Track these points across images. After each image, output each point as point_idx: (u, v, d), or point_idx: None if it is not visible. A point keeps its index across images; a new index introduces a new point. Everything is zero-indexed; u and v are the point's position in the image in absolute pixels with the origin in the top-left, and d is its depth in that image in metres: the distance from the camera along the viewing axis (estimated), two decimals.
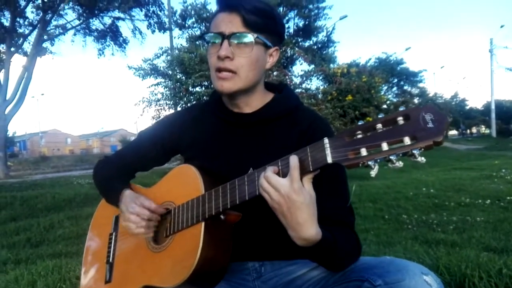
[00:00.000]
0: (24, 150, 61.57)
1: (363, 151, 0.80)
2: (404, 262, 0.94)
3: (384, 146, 0.78)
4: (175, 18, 14.88)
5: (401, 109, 0.80)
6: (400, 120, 0.78)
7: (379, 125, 0.80)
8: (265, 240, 1.17)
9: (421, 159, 0.76)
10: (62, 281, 2.23)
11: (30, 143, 65.88)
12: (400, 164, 0.78)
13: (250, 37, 1.07)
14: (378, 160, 0.80)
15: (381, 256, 2.31)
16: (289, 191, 0.86)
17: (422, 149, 0.75)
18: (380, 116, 0.82)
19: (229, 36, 1.06)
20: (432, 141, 0.74)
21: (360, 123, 0.84)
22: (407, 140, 0.76)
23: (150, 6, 16.35)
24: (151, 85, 9.83)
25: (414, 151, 0.75)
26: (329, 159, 0.85)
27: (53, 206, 6.24)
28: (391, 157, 0.77)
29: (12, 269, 2.70)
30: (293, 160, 0.88)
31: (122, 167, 1.35)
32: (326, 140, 0.86)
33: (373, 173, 0.81)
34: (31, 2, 15.33)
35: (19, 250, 3.78)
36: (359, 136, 0.82)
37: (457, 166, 9.40)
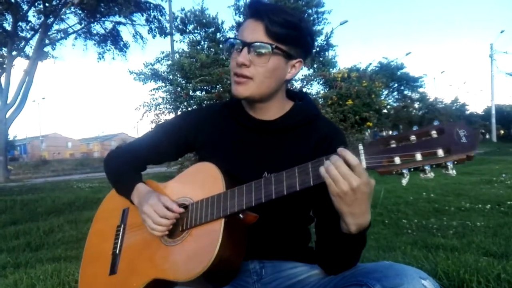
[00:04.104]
0: (25, 154, 61.56)
1: (397, 160, 0.84)
2: (403, 267, 0.95)
3: (418, 156, 0.82)
4: (176, 23, 14.94)
5: (435, 123, 0.83)
6: (434, 133, 0.82)
7: (413, 137, 0.84)
8: (267, 239, 1.18)
9: (453, 172, 0.80)
10: (61, 285, 2.23)
11: (31, 147, 65.83)
12: (432, 175, 0.82)
13: (268, 48, 1.09)
14: (412, 169, 0.83)
15: (380, 261, 2.30)
16: (360, 183, 0.88)
17: (456, 162, 0.80)
18: (415, 128, 0.86)
19: (249, 44, 1.10)
20: (466, 155, 0.78)
21: (395, 133, 0.88)
22: (440, 153, 0.80)
23: (151, 11, 16.43)
24: (152, 90, 9.85)
25: (448, 163, 0.79)
26: (364, 164, 0.88)
27: (53, 210, 6.23)
28: (425, 167, 0.81)
29: (11, 273, 2.69)
30: (351, 157, 0.88)
31: (135, 158, 1.35)
32: (360, 146, 0.89)
33: (404, 181, 0.84)
34: (33, 7, 15.40)
35: (18, 254, 3.77)
36: (393, 145, 0.86)
37: (457, 171, 9.33)
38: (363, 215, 0.95)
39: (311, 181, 0.94)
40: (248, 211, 1.04)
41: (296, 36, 1.12)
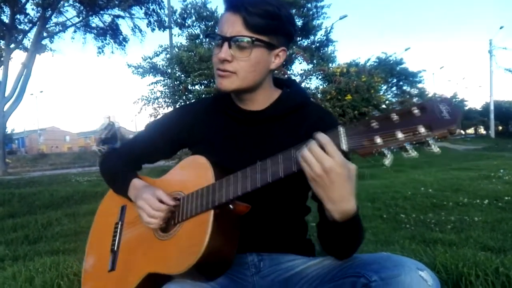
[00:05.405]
0: (23, 147, 61.42)
1: (378, 139, 0.82)
2: (400, 258, 0.95)
3: (399, 134, 0.80)
4: (175, 17, 14.88)
5: (417, 101, 0.81)
6: (416, 111, 0.80)
7: (395, 116, 0.82)
8: (264, 232, 1.18)
9: (436, 149, 0.78)
10: (60, 278, 2.23)
11: (29, 140, 65.65)
12: (414, 153, 0.80)
13: (248, 41, 1.07)
14: (393, 148, 0.81)
15: None
16: (333, 164, 0.86)
17: (437, 138, 0.77)
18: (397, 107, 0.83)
19: (229, 38, 1.08)
20: (447, 130, 0.76)
21: (375, 113, 0.86)
22: (421, 129, 0.78)
23: (150, 4, 16.35)
24: (151, 83, 9.83)
25: (429, 140, 0.77)
26: (344, 146, 0.86)
27: (51, 203, 6.22)
28: (406, 145, 0.79)
29: (9, 266, 2.69)
30: (322, 137, 0.88)
31: (129, 158, 1.36)
32: (340, 128, 0.87)
33: (386, 161, 0.83)
34: None
35: (16, 246, 3.77)
36: (374, 125, 0.84)
37: (455, 166, 9.40)
38: (344, 201, 0.91)
39: (294, 166, 0.93)
40: (238, 201, 1.04)
41: (277, 25, 1.10)
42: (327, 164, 0.86)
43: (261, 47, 1.10)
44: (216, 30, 1.17)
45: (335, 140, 0.87)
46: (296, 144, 0.99)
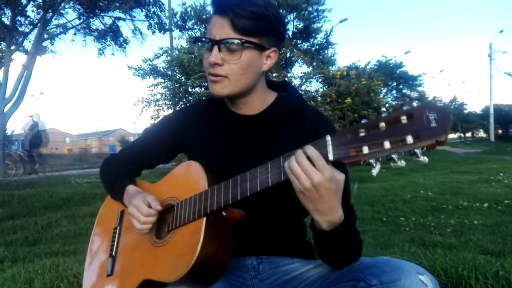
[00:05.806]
0: (23, 149, 61.26)
1: (365, 149, 0.80)
2: (400, 262, 0.95)
3: (386, 144, 0.78)
4: (175, 20, 14.88)
5: (404, 108, 0.79)
6: (404, 119, 0.78)
7: (382, 124, 0.80)
8: (263, 235, 1.18)
9: (424, 159, 0.76)
10: (59, 280, 2.23)
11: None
12: (402, 163, 0.78)
13: (238, 43, 1.07)
14: (380, 159, 0.80)
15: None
16: (322, 179, 0.85)
17: (425, 148, 0.75)
18: (383, 115, 0.82)
19: (218, 42, 1.07)
20: (435, 141, 0.74)
21: (363, 121, 0.84)
22: (409, 139, 0.76)
23: (151, 6, 16.36)
24: (151, 85, 9.82)
25: (417, 150, 0.75)
26: (331, 156, 0.85)
27: (51, 205, 6.21)
28: (393, 156, 0.77)
29: (9, 267, 2.69)
30: (311, 150, 0.86)
31: (127, 164, 1.36)
32: (328, 137, 0.86)
33: (374, 171, 0.81)
34: (32, 1, 15.31)
35: (16, 248, 3.76)
36: (362, 134, 0.82)
37: (455, 170, 9.42)
38: (331, 212, 0.91)
39: (282, 176, 0.92)
40: (231, 208, 1.03)
41: (265, 26, 1.09)
42: (316, 180, 0.85)
43: (251, 48, 1.09)
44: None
45: (322, 150, 0.86)
46: (292, 148, 0.99)
